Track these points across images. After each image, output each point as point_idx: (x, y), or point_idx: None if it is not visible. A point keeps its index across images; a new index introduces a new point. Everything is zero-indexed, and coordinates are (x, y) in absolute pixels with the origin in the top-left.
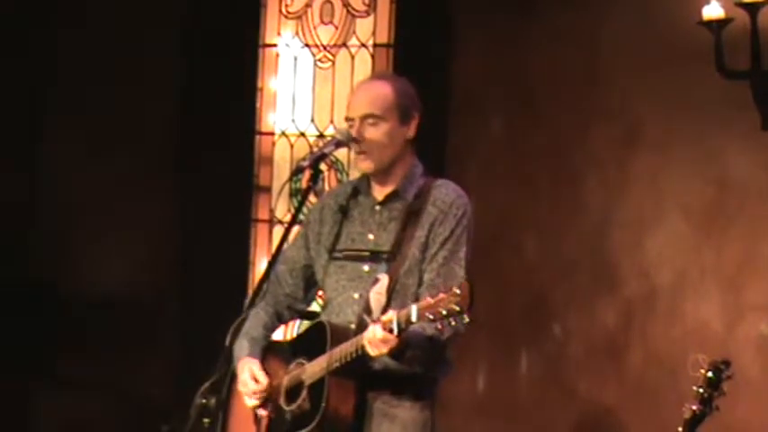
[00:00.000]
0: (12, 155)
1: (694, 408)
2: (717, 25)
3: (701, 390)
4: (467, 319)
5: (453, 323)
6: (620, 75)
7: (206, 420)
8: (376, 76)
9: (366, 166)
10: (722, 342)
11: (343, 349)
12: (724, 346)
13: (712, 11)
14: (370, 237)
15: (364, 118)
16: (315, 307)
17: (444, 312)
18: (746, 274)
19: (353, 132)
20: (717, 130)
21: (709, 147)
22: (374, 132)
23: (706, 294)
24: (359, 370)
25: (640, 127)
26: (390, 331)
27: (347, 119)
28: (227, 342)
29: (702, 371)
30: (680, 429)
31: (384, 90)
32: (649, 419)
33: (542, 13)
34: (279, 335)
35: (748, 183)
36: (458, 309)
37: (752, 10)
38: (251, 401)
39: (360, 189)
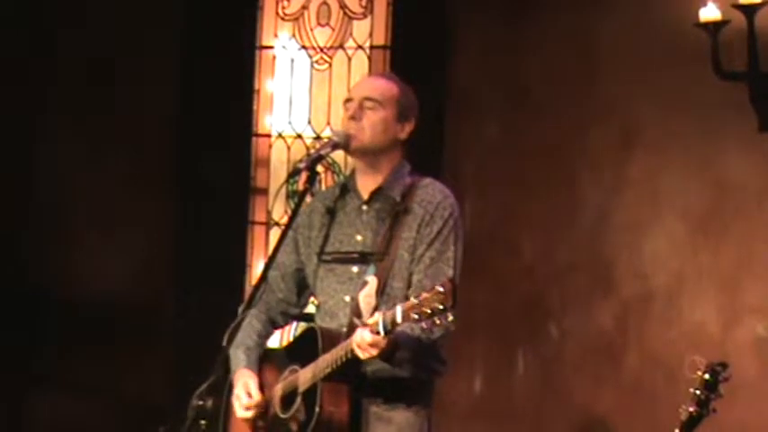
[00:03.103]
0: (10, 155)
1: (691, 410)
2: (713, 27)
3: (697, 392)
4: (451, 317)
5: (438, 322)
6: (617, 76)
7: (203, 422)
8: (385, 73)
9: (354, 144)
10: (719, 344)
11: (334, 354)
12: (721, 348)
13: (709, 12)
14: (358, 238)
15: (364, 99)
16: (311, 309)
17: (429, 311)
18: (743, 276)
19: (350, 112)
20: (714, 132)
21: (706, 148)
22: (371, 115)
23: (703, 296)
24: (351, 374)
25: (637, 128)
26: (377, 334)
27: (347, 100)
28: (225, 343)
29: (699, 373)
30: (676, 431)
31: (389, 84)
32: (646, 421)
33: (539, 14)
34: (276, 337)
35: (745, 184)
36: (441, 307)
37: (748, 12)
38: (242, 414)
39: (347, 186)
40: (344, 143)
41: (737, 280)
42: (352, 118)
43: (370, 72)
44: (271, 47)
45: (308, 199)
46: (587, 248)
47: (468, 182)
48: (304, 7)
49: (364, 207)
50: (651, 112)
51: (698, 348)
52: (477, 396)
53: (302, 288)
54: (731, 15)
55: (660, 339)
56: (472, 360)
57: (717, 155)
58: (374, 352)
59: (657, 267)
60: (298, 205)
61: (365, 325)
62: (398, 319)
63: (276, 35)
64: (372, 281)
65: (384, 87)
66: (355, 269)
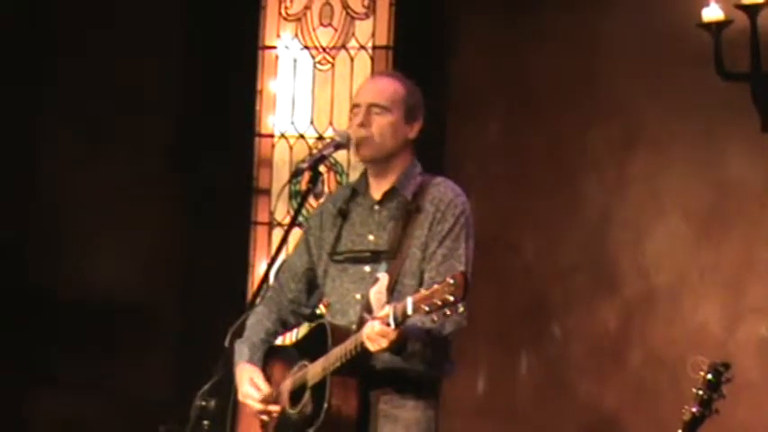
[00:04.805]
0: (10, 155)
1: (694, 410)
2: (716, 27)
3: (700, 392)
4: (461, 309)
5: (449, 313)
6: (620, 76)
7: (205, 422)
8: (389, 73)
9: (363, 152)
10: (722, 344)
11: (344, 347)
12: (723, 348)
13: (712, 13)
14: (371, 237)
15: (371, 106)
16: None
17: (439, 303)
18: (746, 276)
19: (358, 118)
20: (716, 132)
21: (709, 148)
22: (379, 120)
23: (705, 296)
24: (361, 369)
25: (639, 128)
26: (388, 325)
27: (354, 105)
28: (227, 343)
29: (702, 373)
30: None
31: (395, 85)
32: (649, 420)
33: (541, 14)
34: (279, 339)
35: (747, 184)
36: (452, 299)
37: (751, 12)
38: (257, 408)
39: (358, 190)
40: (347, 143)
41: (740, 280)
42: (362, 125)
43: (373, 72)
44: (273, 47)
45: (311, 199)
46: (590, 248)
47: (470, 182)
48: (306, 7)
49: (376, 207)
50: (653, 112)
51: (700, 348)
52: (481, 395)
53: (313, 288)
54: (734, 15)
55: (663, 339)
56: (476, 360)
57: (719, 155)
58: (384, 344)
59: (660, 267)
60: (300, 205)
61: (376, 318)
62: (409, 311)
63: (279, 35)
64: (384, 277)
65: (390, 90)
66: (367, 268)
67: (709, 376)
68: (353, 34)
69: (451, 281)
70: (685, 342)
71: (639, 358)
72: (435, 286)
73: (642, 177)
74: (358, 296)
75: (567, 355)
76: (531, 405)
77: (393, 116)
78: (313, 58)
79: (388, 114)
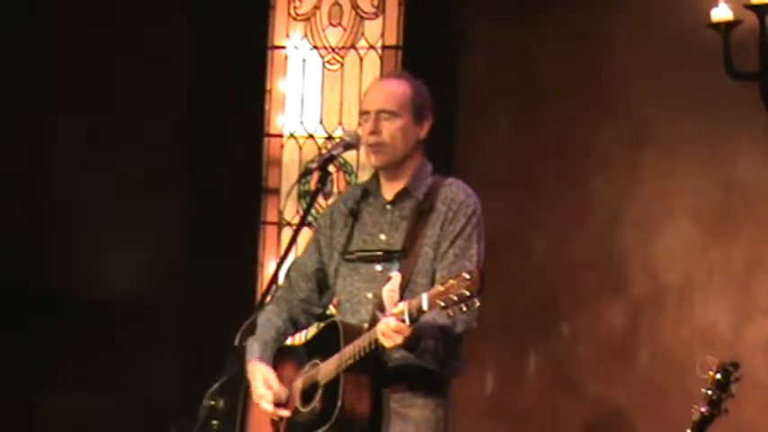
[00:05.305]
0: (11, 155)
1: (703, 410)
2: (725, 27)
3: (709, 391)
4: (477, 304)
5: (465, 308)
6: (629, 76)
7: (215, 422)
8: (395, 74)
9: (378, 159)
10: (730, 343)
11: (357, 345)
12: (732, 348)
13: (721, 13)
14: (382, 237)
15: (379, 112)
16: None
17: (455, 298)
18: (754, 276)
19: (368, 125)
20: (725, 132)
21: (718, 148)
22: (389, 126)
23: (714, 295)
24: (373, 367)
25: (648, 128)
26: (402, 322)
27: (363, 112)
28: (237, 343)
29: (711, 372)
30: (688, 431)
31: (401, 88)
32: (657, 420)
33: (550, 15)
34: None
35: (756, 184)
36: (468, 293)
37: (761, 12)
38: (268, 408)
39: (370, 190)
40: (356, 143)
41: (749, 279)
42: (372, 132)
43: (382, 72)
44: (283, 47)
45: (320, 199)
46: (599, 248)
47: (479, 182)
48: (316, 7)
49: (388, 207)
50: (662, 113)
51: (709, 347)
52: (490, 395)
53: (324, 288)
54: (743, 15)
55: (671, 338)
56: (484, 359)
57: (728, 154)
58: (399, 340)
59: (669, 266)
60: (309, 205)
61: (390, 314)
62: (425, 307)
63: (288, 35)
64: (396, 276)
65: (397, 94)
66: (379, 268)
67: (718, 376)
68: (363, 34)
69: (467, 276)
70: (694, 342)
71: (648, 358)
72: (451, 281)
73: (651, 177)
74: (369, 295)
75: (575, 354)
76: (538, 404)
77: (403, 120)
78: (322, 57)
79: (398, 119)
